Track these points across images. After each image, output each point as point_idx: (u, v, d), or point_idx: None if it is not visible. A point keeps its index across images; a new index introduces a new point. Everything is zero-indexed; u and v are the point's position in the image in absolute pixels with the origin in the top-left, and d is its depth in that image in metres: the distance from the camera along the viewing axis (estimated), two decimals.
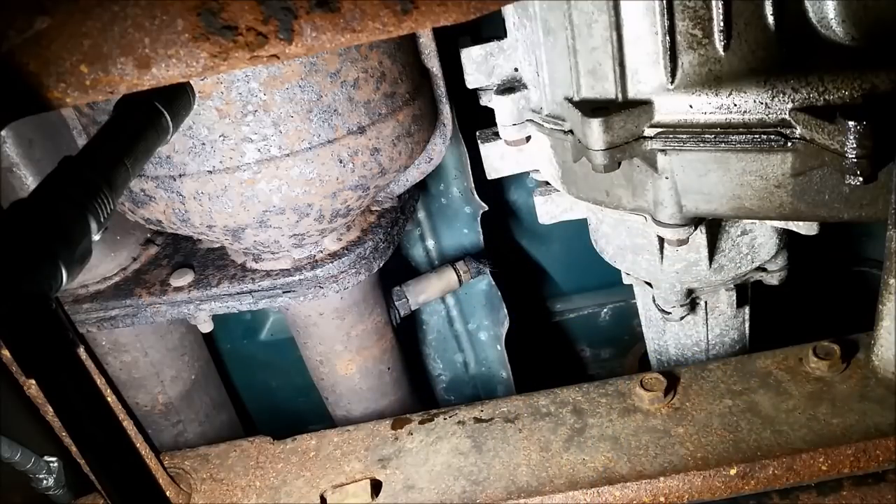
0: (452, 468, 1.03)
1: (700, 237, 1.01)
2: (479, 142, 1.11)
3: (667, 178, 0.87)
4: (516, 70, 1.04)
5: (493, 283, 1.50)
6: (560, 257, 1.74)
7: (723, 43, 0.79)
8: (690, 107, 0.83)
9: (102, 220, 0.61)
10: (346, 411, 1.36)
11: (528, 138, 1.05)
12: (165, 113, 0.74)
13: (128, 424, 1.05)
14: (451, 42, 1.09)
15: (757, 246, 1.07)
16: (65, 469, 1.14)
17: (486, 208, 1.41)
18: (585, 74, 0.88)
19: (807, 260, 1.26)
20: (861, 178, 0.73)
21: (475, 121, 1.17)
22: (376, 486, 1.05)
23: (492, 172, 1.12)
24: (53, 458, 1.13)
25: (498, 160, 1.11)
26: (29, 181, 1.09)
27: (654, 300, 1.19)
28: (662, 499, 0.93)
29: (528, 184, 1.54)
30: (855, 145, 0.71)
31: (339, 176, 1.00)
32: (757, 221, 1.03)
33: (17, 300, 0.50)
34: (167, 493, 1.09)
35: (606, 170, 0.86)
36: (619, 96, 0.86)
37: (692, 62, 0.81)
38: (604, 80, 0.86)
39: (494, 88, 1.04)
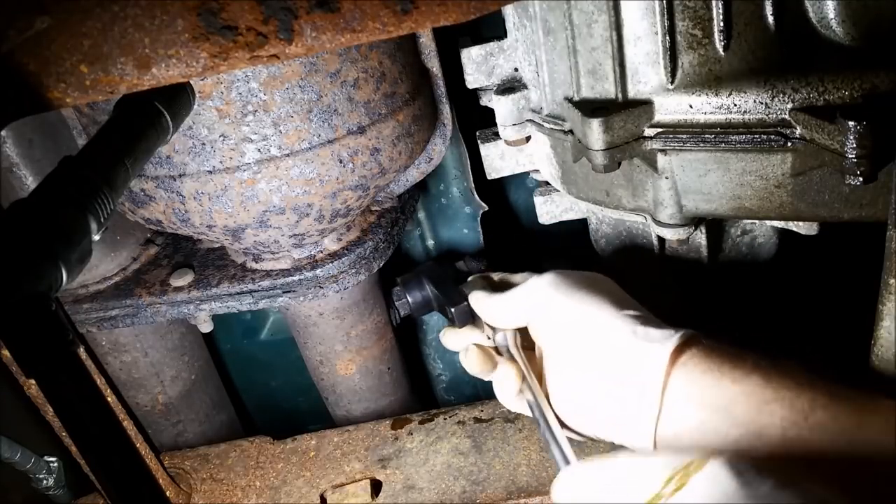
0: (452, 468, 1.04)
1: (700, 237, 1.01)
2: (479, 142, 1.11)
3: (667, 178, 0.87)
4: (516, 70, 1.04)
5: None
6: (560, 257, 1.74)
7: (723, 43, 0.79)
8: (690, 107, 0.83)
9: (102, 220, 0.61)
10: (346, 411, 1.36)
11: (528, 138, 1.05)
12: (165, 113, 0.74)
13: (128, 424, 1.05)
14: (451, 42, 1.09)
15: (757, 246, 1.07)
16: (65, 469, 1.14)
17: (486, 208, 1.41)
18: (585, 74, 0.88)
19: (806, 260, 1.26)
20: (861, 178, 0.73)
21: (475, 121, 1.17)
22: (376, 486, 1.05)
23: (492, 172, 1.13)
24: (53, 458, 1.13)
25: (498, 160, 1.11)
26: (29, 181, 1.09)
27: None
28: None
29: (528, 184, 1.54)
30: (855, 145, 0.71)
31: (339, 176, 1.00)
32: (757, 221, 1.03)
33: (17, 300, 0.50)
34: (167, 493, 1.09)
35: (606, 170, 0.86)
36: (619, 96, 0.86)
37: (692, 62, 0.81)
38: (604, 80, 0.86)
39: (494, 88, 1.04)
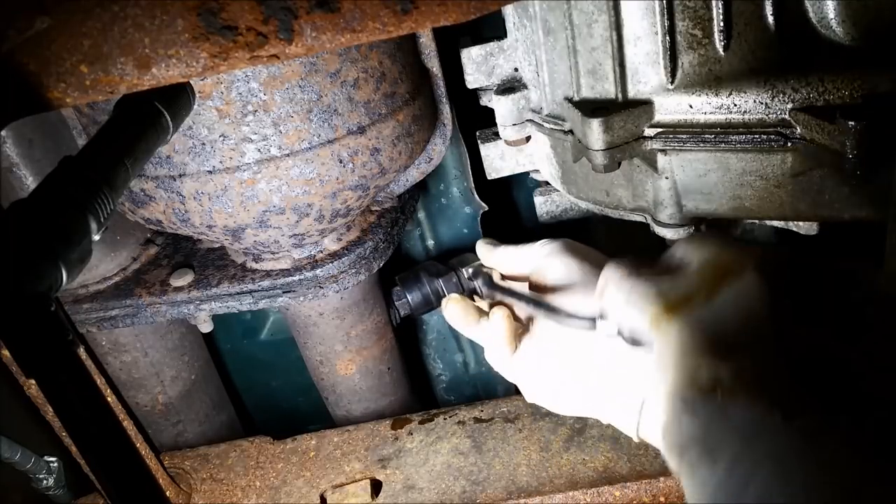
0: (452, 468, 1.04)
1: None
2: (479, 142, 1.11)
3: (667, 178, 0.87)
4: (516, 70, 1.04)
5: None
6: None
7: (723, 43, 0.79)
8: (690, 107, 0.83)
9: (102, 220, 0.61)
10: (346, 411, 1.36)
11: (528, 138, 1.05)
12: (165, 113, 0.74)
13: (128, 424, 1.05)
14: (451, 42, 1.09)
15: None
16: (65, 469, 1.14)
17: (486, 208, 1.41)
18: (585, 74, 0.88)
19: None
20: (861, 178, 0.73)
21: (475, 121, 1.17)
22: (376, 486, 1.05)
23: (492, 172, 1.13)
24: (53, 458, 1.13)
25: (498, 160, 1.11)
26: (29, 181, 1.09)
27: None
28: (662, 499, 0.93)
29: (528, 184, 1.54)
30: (855, 145, 0.71)
31: (339, 176, 1.00)
32: (757, 221, 1.03)
33: (17, 300, 0.50)
34: (167, 493, 1.09)
35: (606, 170, 0.86)
36: (619, 96, 0.86)
37: (692, 62, 0.81)
38: (604, 80, 0.86)
39: (494, 88, 1.04)
